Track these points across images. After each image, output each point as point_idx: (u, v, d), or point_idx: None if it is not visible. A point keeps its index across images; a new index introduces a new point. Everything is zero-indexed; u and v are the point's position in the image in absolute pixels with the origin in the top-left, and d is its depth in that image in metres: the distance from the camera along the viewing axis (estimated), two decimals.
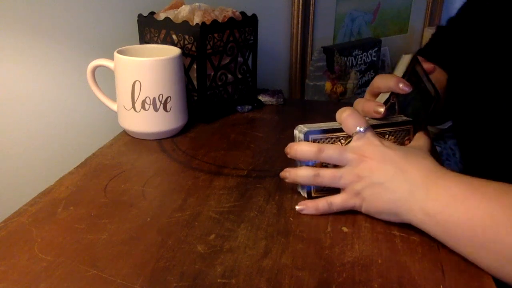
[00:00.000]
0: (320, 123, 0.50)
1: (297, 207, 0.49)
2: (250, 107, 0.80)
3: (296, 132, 0.50)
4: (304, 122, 0.51)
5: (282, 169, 0.58)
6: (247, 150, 0.64)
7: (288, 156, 0.49)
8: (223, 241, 0.44)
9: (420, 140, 0.51)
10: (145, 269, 0.40)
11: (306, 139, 0.48)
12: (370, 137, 0.47)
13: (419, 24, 1.35)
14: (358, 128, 0.47)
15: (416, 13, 1.32)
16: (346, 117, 0.48)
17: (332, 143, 0.49)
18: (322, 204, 0.48)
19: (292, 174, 0.49)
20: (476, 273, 0.40)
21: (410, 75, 0.51)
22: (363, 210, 0.47)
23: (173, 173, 0.57)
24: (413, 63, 0.52)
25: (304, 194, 0.51)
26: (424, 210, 0.42)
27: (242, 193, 0.53)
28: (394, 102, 0.51)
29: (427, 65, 0.55)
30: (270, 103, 0.82)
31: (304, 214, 0.48)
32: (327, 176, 0.47)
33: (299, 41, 1.03)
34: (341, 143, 0.49)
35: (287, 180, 0.50)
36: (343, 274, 0.40)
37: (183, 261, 0.41)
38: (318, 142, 0.49)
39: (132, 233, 0.45)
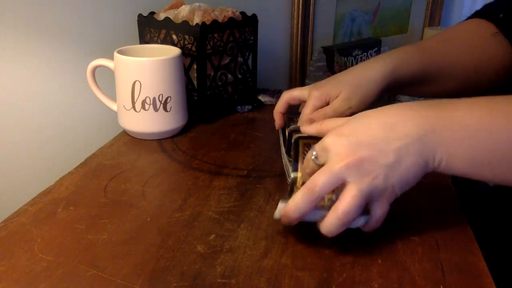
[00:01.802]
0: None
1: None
2: (250, 107, 0.80)
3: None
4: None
5: (282, 169, 0.58)
6: (247, 150, 0.64)
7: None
8: (223, 241, 0.44)
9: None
10: (145, 269, 0.40)
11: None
12: (326, 143, 0.39)
13: (419, 24, 1.34)
14: (312, 158, 0.40)
15: (416, 13, 1.32)
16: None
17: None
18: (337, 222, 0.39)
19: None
20: (476, 273, 0.40)
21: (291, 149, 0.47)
22: (384, 200, 0.39)
23: (173, 173, 0.57)
24: (293, 142, 0.46)
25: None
26: (448, 153, 0.37)
27: (242, 193, 0.53)
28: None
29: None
30: (270, 103, 0.82)
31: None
32: (344, 205, 0.38)
33: (299, 41, 1.03)
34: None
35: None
36: (343, 274, 0.40)
37: (183, 261, 0.41)
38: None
39: (132, 233, 0.45)
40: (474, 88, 0.56)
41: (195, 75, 0.71)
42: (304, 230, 0.46)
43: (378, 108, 0.40)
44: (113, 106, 0.69)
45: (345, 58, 1.07)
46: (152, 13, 0.76)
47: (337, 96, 0.52)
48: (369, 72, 0.52)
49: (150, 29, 0.73)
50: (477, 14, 0.57)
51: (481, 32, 0.54)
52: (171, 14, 0.72)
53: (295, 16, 1.00)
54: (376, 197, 0.39)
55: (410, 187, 0.39)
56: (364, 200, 0.38)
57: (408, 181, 0.39)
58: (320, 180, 0.38)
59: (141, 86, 0.62)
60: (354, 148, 0.38)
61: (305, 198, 0.39)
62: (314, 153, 0.40)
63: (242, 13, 0.76)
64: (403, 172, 0.38)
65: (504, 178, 0.38)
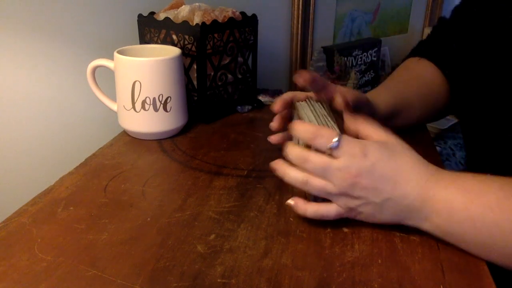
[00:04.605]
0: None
1: (288, 201, 0.46)
2: (250, 107, 0.80)
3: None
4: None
5: None
6: (247, 150, 0.64)
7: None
8: (223, 241, 0.44)
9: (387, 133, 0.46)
10: (145, 269, 0.40)
11: None
12: (349, 148, 0.42)
13: (419, 24, 1.35)
14: (330, 144, 0.42)
15: (416, 13, 1.32)
16: (311, 136, 0.43)
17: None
18: (310, 213, 0.45)
19: (281, 171, 0.46)
20: (476, 273, 0.40)
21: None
22: (359, 219, 0.46)
23: (173, 173, 0.57)
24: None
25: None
26: (428, 221, 0.42)
27: (242, 193, 0.53)
28: None
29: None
30: (270, 103, 0.82)
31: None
32: (316, 187, 0.44)
33: (299, 41, 1.03)
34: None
35: (276, 173, 0.47)
36: (343, 274, 0.40)
37: (183, 261, 0.41)
38: None
39: (132, 233, 0.45)
40: (429, 117, 0.68)
41: (195, 75, 0.71)
42: (304, 230, 0.46)
43: (407, 147, 0.44)
44: (113, 106, 0.69)
45: (345, 58, 1.07)
46: (152, 13, 0.76)
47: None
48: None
49: (150, 29, 0.73)
50: (419, 53, 0.69)
51: (428, 74, 0.66)
52: (171, 14, 0.72)
53: (295, 16, 1.00)
54: (334, 201, 0.45)
55: (375, 222, 0.45)
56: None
57: (376, 221, 0.45)
58: (316, 183, 0.43)
59: (141, 86, 0.63)
60: (364, 173, 0.42)
61: (296, 182, 0.45)
62: (335, 140, 0.42)
63: (242, 13, 0.76)
64: (377, 215, 0.44)
65: (480, 256, 0.41)
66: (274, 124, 0.55)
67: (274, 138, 0.55)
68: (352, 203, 0.43)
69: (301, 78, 0.47)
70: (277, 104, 0.53)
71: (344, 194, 0.43)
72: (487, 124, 0.59)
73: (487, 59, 0.57)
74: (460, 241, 0.42)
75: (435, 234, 0.43)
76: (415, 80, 0.66)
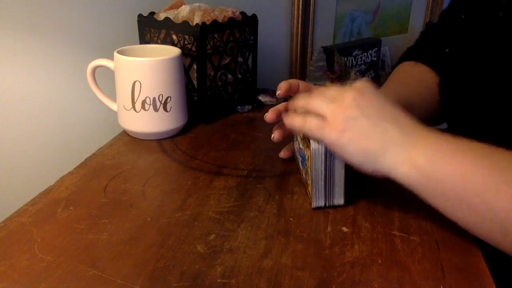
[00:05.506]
0: None
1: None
2: (250, 107, 0.80)
3: None
4: None
5: (282, 169, 0.58)
6: (247, 150, 0.64)
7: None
8: (223, 241, 0.44)
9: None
10: (145, 269, 0.40)
11: None
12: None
13: (419, 24, 1.34)
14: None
15: (416, 13, 1.32)
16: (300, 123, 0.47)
17: None
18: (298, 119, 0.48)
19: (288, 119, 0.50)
20: (476, 273, 0.40)
21: None
22: (339, 147, 0.44)
23: (173, 173, 0.57)
24: None
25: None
26: (411, 162, 0.41)
27: (242, 193, 0.53)
28: None
29: None
30: (270, 103, 0.82)
31: (303, 214, 0.48)
32: (315, 105, 0.46)
33: (299, 41, 1.03)
34: None
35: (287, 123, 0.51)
36: (343, 274, 0.40)
37: (183, 261, 0.41)
38: None
39: (132, 233, 0.45)
40: (431, 119, 0.68)
41: (195, 75, 0.71)
42: (304, 230, 0.46)
43: (388, 100, 0.45)
44: (113, 106, 0.69)
45: (345, 58, 1.07)
46: (152, 13, 0.76)
47: None
48: None
49: (150, 29, 0.73)
50: (412, 58, 0.70)
51: (426, 76, 0.66)
52: (171, 14, 0.72)
53: (295, 16, 1.00)
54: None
55: (353, 154, 0.44)
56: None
57: (359, 143, 0.43)
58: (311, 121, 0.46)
59: (141, 86, 0.63)
60: (359, 95, 0.44)
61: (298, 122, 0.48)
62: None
63: (242, 13, 0.76)
64: (363, 139, 0.43)
65: (448, 215, 0.42)
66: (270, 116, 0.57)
67: (277, 136, 0.57)
68: (347, 112, 0.43)
69: (280, 90, 0.54)
70: (271, 115, 0.57)
71: (341, 107, 0.44)
72: (476, 127, 0.59)
73: (480, 62, 0.58)
74: (430, 198, 0.42)
75: (411, 180, 0.42)
76: (415, 81, 0.66)
